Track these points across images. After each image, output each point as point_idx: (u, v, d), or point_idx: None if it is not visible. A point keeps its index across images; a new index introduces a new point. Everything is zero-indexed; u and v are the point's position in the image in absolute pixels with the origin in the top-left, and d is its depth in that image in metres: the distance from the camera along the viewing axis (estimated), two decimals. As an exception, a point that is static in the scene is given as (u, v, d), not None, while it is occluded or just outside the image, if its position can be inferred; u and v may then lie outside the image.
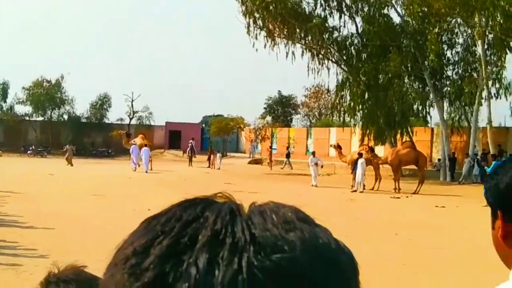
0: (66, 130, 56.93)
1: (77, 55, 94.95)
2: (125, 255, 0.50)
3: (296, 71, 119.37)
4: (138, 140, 38.96)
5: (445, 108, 35.14)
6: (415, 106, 35.20)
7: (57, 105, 58.46)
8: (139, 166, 35.77)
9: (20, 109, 59.15)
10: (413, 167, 28.67)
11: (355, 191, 25.29)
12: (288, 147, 46.44)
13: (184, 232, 0.49)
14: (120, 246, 0.52)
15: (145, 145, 37.33)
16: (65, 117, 59.44)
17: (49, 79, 58.36)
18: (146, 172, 34.04)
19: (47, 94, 57.07)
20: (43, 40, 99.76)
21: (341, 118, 38.20)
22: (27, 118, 57.81)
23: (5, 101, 58.21)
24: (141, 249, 0.49)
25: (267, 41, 36.88)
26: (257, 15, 36.29)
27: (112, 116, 61.61)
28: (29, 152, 47.03)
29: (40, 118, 58.64)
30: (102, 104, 60.28)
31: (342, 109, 37.28)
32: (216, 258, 0.47)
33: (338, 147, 29.59)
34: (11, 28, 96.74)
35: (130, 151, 37.45)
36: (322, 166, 27.97)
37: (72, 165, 38.07)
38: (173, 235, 0.49)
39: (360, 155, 26.16)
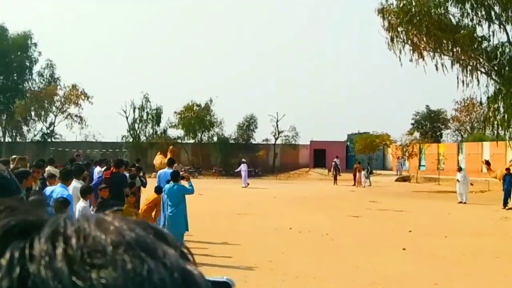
0: (216, 151, 59.01)
1: (224, 79, 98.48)
2: None
3: (445, 84, 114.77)
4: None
5: None
6: None
7: (207, 127, 60.61)
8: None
9: (173, 133, 61.73)
10: None
11: (511, 208, 23.69)
12: (369, 163, 44.98)
13: None
14: None
15: (244, 162, 42.11)
16: (215, 139, 61.60)
17: (199, 103, 60.80)
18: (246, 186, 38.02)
19: (197, 118, 59.31)
20: (192, 66, 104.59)
21: (495, 132, 36.14)
22: (179, 141, 60.42)
23: (158, 125, 61.40)
24: None
25: (412, 54, 35.97)
26: (400, 29, 35.48)
27: (258, 136, 62.65)
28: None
29: (191, 141, 61.01)
30: (248, 125, 61.73)
31: (496, 122, 35.23)
32: None
33: (486, 163, 28.26)
34: (163, 59, 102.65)
35: (239, 169, 41.16)
36: (472, 184, 26.72)
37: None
38: None
39: (508, 170, 24.58)
